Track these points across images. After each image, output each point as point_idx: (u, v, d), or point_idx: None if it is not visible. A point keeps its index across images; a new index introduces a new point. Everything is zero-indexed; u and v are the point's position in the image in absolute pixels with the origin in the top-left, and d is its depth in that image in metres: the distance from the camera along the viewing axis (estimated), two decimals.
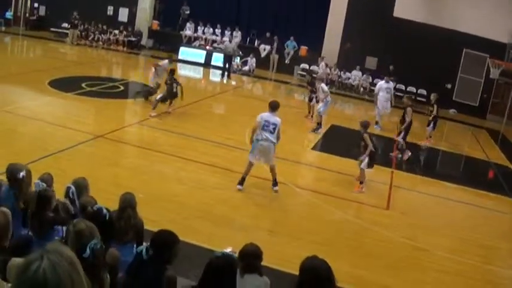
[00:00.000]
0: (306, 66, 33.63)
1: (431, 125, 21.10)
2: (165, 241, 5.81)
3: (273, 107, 13.05)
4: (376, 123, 22.50)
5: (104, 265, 4.86)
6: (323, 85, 21.14)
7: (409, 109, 18.32)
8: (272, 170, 13.06)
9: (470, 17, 28.70)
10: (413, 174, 17.13)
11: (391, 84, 23.59)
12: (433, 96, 21.36)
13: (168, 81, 19.40)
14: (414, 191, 15.65)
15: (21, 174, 7.04)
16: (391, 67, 29.80)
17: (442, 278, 10.31)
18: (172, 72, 20.03)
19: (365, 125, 14.39)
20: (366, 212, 13.16)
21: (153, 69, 21.20)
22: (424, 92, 30.78)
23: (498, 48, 27.40)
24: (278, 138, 12.89)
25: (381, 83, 23.53)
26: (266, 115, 12.83)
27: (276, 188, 13.09)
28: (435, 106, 20.90)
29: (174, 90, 19.20)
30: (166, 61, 21.97)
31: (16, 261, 4.87)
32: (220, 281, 5.13)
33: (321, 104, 20.77)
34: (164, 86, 19.53)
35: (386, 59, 30.73)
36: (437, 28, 29.56)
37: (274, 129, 12.69)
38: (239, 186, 12.87)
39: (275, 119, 12.78)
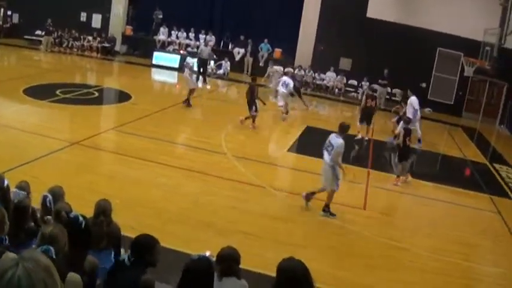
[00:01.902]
0: (281, 68, 33.69)
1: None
2: (143, 244, 5.82)
3: (340, 128, 12.52)
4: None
5: None
6: (276, 68, 23.39)
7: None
8: (329, 194, 12.57)
9: (443, 16, 28.94)
10: (390, 174, 17.21)
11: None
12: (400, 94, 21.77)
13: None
14: (391, 190, 15.72)
15: (6, 182, 7.02)
16: (385, 71, 29.86)
17: (423, 276, 10.39)
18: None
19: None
20: (344, 213, 13.17)
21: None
22: (399, 91, 30.94)
23: (472, 46, 27.58)
24: (334, 160, 12.23)
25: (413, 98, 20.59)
26: (332, 135, 12.48)
27: (324, 213, 12.52)
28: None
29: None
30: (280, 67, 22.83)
31: (9, 255, 4.88)
32: (197, 284, 5.12)
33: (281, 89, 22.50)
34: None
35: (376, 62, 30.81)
36: (411, 28, 29.78)
37: (331, 150, 12.17)
38: (323, 213, 12.51)
39: (336, 140, 12.19)
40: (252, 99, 19.70)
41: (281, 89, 22.29)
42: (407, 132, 16.00)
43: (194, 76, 22.19)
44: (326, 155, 12.31)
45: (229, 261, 5.98)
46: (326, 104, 30.47)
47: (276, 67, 23.34)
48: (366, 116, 20.99)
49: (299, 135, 20.83)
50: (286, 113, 22.65)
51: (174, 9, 36.62)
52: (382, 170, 17.63)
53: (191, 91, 22.40)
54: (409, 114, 19.32)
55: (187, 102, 22.31)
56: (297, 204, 13.01)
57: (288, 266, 4.87)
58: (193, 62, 21.56)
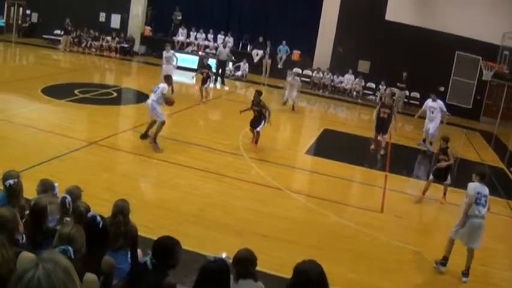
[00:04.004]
0: (299, 70, 33.67)
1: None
2: (165, 246, 5.81)
3: (483, 176, 10.84)
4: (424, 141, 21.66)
5: None
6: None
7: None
8: (471, 254, 10.52)
9: (462, 19, 28.78)
10: (407, 177, 17.14)
11: (438, 104, 21.06)
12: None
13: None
14: (408, 194, 15.64)
15: (9, 182, 7.09)
16: (404, 74, 29.79)
17: (438, 280, 10.33)
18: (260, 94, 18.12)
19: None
20: (360, 216, 13.13)
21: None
22: (418, 95, 30.86)
23: (491, 50, 27.43)
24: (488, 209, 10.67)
25: (427, 101, 21.47)
26: (478, 186, 10.51)
27: (465, 279, 10.45)
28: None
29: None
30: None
31: (26, 254, 4.93)
32: (213, 286, 5.12)
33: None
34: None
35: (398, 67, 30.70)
36: (429, 31, 29.67)
37: (486, 201, 10.47)
38: (441, 267, 10.64)
39: (486, 189, 10.60)
40: (261, 114, 17.47)
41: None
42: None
43: (159, 110, 15.97)
44: (482, 209, 10.43)
45: (245, 263, 5.97)
46: (344, 107, 30.40)
47: (296, 78, 23.66)
48: (381, 126, 19.39)
49: (317, 138, 20.79)
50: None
51: (193, 10, 36.76)
52: (400, 173, 17.54)
53: (154, 124, 16.25)
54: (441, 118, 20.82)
55: (147, 136, 16.24)
56: (314, 207, 12.99)
57: (303, 268, 4.84)
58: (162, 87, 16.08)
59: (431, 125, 20.77)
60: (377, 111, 19.57)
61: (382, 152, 19.20)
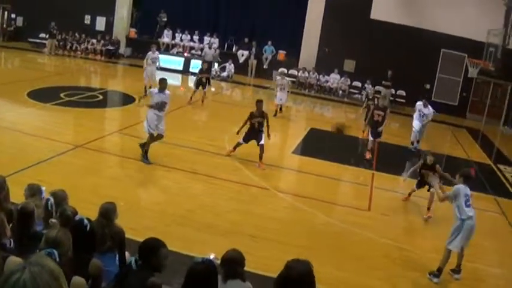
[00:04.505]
0: (285, 70, 33.74)
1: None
2: (150, 247, 5.83)
3: (467, 177, 10.71)
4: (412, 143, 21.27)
5: None
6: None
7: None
8: (462, 252, 10.53)
9: (447, 17, 28.95)
10: (394, 175, 17.20)
11: (429, 110, 20.77)
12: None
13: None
14: (395, 191, 15.70)
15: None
16: (389, 72, 29.92)
17: (424, 277, 10.36)
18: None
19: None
20: (347, 214, 13.20)
21: None
22: (404, 93, 31.00)
23: (476, 47, 27.58)
24: None
25: (419, 104, 21.09)
26: (463, 188, 10.33)
27: (457, 276, 10.58)
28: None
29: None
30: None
31: (13, 259, 4.93)
32: (201, 287, 5.13)
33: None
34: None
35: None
36: (414, 29, 29.84)
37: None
38: (435, 279, 10.30)
39: (469, 189, 10.40)
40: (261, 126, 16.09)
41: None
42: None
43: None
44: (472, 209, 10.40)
45: (233, 263, 5.99)
46: (330, 106, 30.48)
47: (285, 79, 23.61)
48: (377, 130, 18.70)
49: (303, 137, 20.84)
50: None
51: (178, 12, 36.77)
52: (387, 171, 17.59)
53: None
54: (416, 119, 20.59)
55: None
56: (302, 206, 13.03)
57: (289, 264, 4.76)
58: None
59: (421, 124, 20.74)
60: (370, 114, 19.32)
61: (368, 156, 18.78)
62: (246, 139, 16.04)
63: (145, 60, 24.75)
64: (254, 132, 15.95)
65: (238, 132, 16.06)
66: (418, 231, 13.03)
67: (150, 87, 16.27)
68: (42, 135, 15.93)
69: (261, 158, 15.89)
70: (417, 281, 10.20)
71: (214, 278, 5.25)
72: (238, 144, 16.14)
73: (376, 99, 21.73)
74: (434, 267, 10.44)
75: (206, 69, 24.64)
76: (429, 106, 20.89)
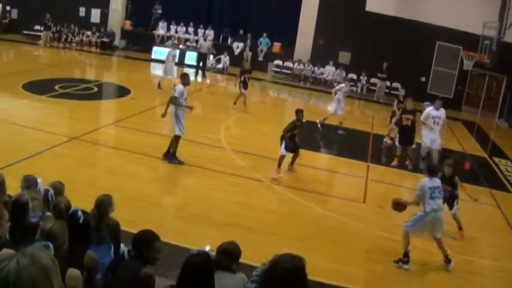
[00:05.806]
0: (280, 62, 33.71)
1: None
2: (144, 239, 5.81)
3: (431, 171, 10.77)
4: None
5: None
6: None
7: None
8: (439, 243, 10.52)
9: (442, 10, 28.90)
10: (388, 168, 17.21)
11: (441, 112, 17.33)
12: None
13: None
14: (390, 184, 15.72)
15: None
16: (385, 64, 29.90)
17: (421, 269, 10.42)
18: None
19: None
20: (342, 206, 13.22)
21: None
22: (398, 85, 30.95)
23: (471, 40, 27.57)
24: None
25: (429, 109, 17.35)
26: (427, 183, 10.37)
27: (449, 266, 10.52)
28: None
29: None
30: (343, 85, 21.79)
31: (6, 251, 4.91)
32: (197, 279, 5.12)
33: None
34: None
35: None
36: (409, 21, 29.77)
37: (440, 192, 10.44)
38: (405, 266, 10.31)
39: (437, 181, 10.50)
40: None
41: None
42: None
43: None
44: (439, 201, 10.50)
45: (229, 255, 5.98)
46: (325, 98, 30.41)
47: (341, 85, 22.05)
48: (407, 137, 17.35)
49: None
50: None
51: (173, 4, 36.54)
52: (382, 163, 17.62)
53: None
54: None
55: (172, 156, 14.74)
56: (297, 199, 13.04)
57: (275, 258, 4.67)
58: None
59: (436, 137, 17.09)
60: (397, 119, 18.01)
61: (409, 164, 17.40)
62: (290, 150, 14.87)
63: (166, 57, 25.44)
64: (294, 142, 14.90)
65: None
66: None
67: (174, 86, 15.51)
68: (37, 127, 15.90)
69: (293, 162, 15.41)
70: (412, 273, 10.22)
71: (210, 270, 5.25)
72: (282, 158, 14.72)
73: (405, 102, 18.45)
74: (429, 259, 10.48)
75: (248, 69, 23.88)
76: (441, 108, 17.43)
